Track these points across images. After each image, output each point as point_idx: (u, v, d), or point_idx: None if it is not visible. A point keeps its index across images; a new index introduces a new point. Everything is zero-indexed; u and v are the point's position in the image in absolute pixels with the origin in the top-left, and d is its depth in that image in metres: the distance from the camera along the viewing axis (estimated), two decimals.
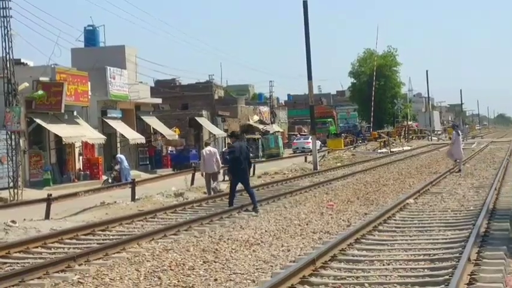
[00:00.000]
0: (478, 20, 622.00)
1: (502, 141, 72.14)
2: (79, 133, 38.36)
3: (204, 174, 25.08)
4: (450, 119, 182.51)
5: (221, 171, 28.44)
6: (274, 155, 62.01)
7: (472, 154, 46.66)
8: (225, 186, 28.27)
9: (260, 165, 40.55)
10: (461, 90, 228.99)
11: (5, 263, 12.78)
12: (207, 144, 27.63)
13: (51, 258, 12.54)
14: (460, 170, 30.99)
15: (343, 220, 16.65)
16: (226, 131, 63.86)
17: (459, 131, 34.74)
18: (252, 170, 31.52)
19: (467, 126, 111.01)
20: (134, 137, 44.31)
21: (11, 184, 31.55)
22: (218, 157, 25.39)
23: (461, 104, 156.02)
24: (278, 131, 78.76)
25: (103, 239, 15.34)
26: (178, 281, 10.49)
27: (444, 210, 17.75)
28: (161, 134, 51.11)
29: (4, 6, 31.76)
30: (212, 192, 24.72)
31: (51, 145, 38.32)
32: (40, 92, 35.90)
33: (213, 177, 25.23)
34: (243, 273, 10.89)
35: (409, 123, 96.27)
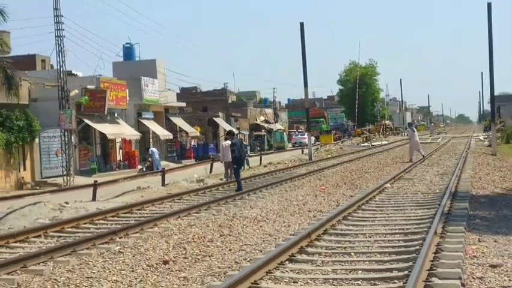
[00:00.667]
0: (440, 33, 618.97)
1: (462, 137, 71.82)
2: (119, 131, 38.40)
3: (223, 163, 26.12)
4: (419, 118, 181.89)
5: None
6: (281, 148, 63.76)
7: (437, 147, 46.45)
8: None
9: (265, 157, 40.48)
10: (428, 95, 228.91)
11: (60, 236, 12.82)
12: (226, 139, 28.09)
13: (98, 233, 12.57)
14: (424, 156, 31.63)
15: (333, 201, 16.63)
16: (238, 129, 63.86)
17: (414, 128, 35.20)
18: (246, 161, 31.99)
19: (433, 124, 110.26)
20: (163, 133, 44.33)
21: (65, 172, 31.63)
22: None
23: (429, 106, 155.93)
24: (280, 129, 78.63)
25: (139, 217, 15.34)
26: (200, 251, 10.50)
27: (415, 193, 17.69)
28: (185, 132, 51.11)
29: (58, 28, 31.83)
30: (229, 179, 25.10)
31: (97, 141, 38.38)
32: (86, 97, 35.95)
33: (230, 166, 25.38)
34: (252, 244, 10.89)
35: (386, 122, 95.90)
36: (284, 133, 69.99)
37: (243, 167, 20.13)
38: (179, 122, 50.03)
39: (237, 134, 31.74)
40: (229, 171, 25.40)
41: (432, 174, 23.87)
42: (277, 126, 77.87)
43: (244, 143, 40.93)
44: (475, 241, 10.40)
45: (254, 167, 33.35)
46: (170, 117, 48.86)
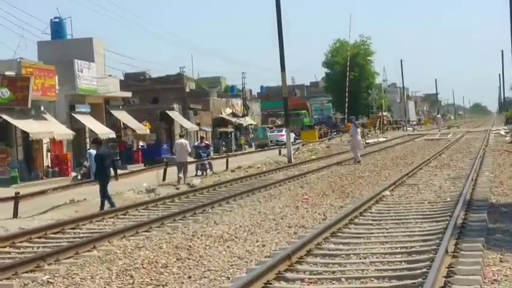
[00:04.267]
0: (452, 5, 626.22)
1: (478, 131, 72.66)
2: (47, 129, 38.05)
3: (176, 164, 29.06)
4: (425, 109, 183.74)
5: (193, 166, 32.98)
6: (264, 145, 65.58)
7: (447, 144, 46.97)
8: (198, 181, 28.35)
9: (233, 159, 40.46)
10: (436, 80, 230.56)
11: None
12: (181, 136, 32.37)
13: (20, 258, 12.43)
14: (358, 161, 33.08)
15: (318, 214, 16.69)
16: (198, 124, 63.88)
17: (357, 124, 37.54)
18: (209, 165, 34.17)
19: (440, 115, 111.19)
20: (103, 132, 44.03)
21: None
22: (189, 148, 30.32)
23: (436, 93, 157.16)
24: (251, 124, 78.81)
25: (73, 238, 15.24)
26: (151, 279, 10.45)
27: (421, 202, 17.85)
28: (131, 129, 50.85)
29: None
30: (183, 182, 27.36)
31: (18, 141, 37.98)
32: (5, 89, 35.50)
33: (184, 167, 29.06)
34: (218, 270, 10.88)
35: (384, 114, 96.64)
36: (267, 128, 71.12)
37: (108, 181, 20.39)
38: (123, 116, 49.79)
39: (183, 135, 33.86)
40: (182, 174, 28.14)
41: (442, 178, 24.10)
42: (248, 120, 78.11)
43: (206, 142, 40.98)
44: (495, 261, 10.52)
45: (219, 173, 33.35)
46: (112, 111, 48.59)
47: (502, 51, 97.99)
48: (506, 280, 9.32)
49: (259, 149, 62.53)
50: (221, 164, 36.49)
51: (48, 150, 40.07)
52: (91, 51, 46.42)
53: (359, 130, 36.58)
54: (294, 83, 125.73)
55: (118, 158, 48.09)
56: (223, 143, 65.00)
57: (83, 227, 16.78)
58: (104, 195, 20.41)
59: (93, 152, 36.39)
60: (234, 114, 76.77)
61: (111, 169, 20.60)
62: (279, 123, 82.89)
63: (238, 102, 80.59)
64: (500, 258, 10.69)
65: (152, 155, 49.16)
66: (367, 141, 58.72)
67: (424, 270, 9.54)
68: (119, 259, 12.14)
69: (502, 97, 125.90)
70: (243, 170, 34.50)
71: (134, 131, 50.78)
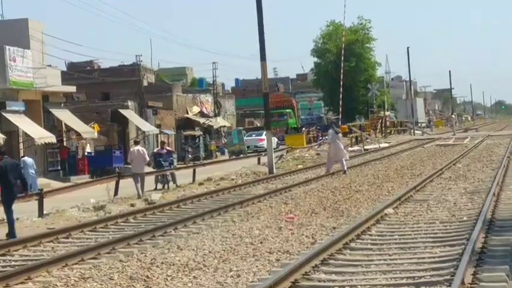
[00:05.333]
0: None
1: (502, 135, 73.12)
2: None
3: (133, 175, 29.70)
4: (437, 108, 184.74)
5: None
6: (238, 153, 65.33)
7: (464, 151, 47.22)
8: (158, 197, 28.31)
9: (202, 169, 40.41)
10: (450, 72, 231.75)
11: None
12: (136, 143, 32.66)
13: None
14: (345, 172, 34.09)
15: (306, 236, 16.70)
16: (158, 126, 63.70)
17: (336, 129, 38.19)
18: (171, 177, 34.28)
19: (453, 115, 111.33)
20: (41, 135, 43.78)
21: None
22: (147, 157, 31.07)
23: (451, 89, 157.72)
24: (224, 126, 78.74)
25: (2, 266, 15.14)
26: None
27: (432, 222, 17.91)
28: (76, 132, 50.60)
29: None
30: (139, 197, 27.78)
31: None
32: None
33: (141, 179, 29.35)
34: None
35: (387, 113, 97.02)
36: (243, 131, 71.08)
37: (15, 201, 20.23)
38: (65, 116, 49.53)
39: (139, 141, 34.13)
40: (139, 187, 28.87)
41: (457, 192, 24.19)
42: (220, 121, 78.04)
43: (169, 148, 40.92)
44: None
45: (184, 186, 33.30)
46: (52, 110, 48.32)
47: None
48: None
49: (233, 157, 62.63)
50: (187, 175, 36.42)
51: None
52: (26, 36, 46.12)
53: (340, 136, 37.61)
54: (277, 75, 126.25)
55: (60, 167, 47.93)
56: (189, 150, 64.87)
57: (15, 253, 16.66)
58: (9, 218, 19.89)
59: (28, 160, 36.38)
60: (202, 114, 76.68)
61: (17, 185, 20.18)
62: (258, 125, 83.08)
63: (208, 99, 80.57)
64: None
65: (101, 164, 48.93)
66: (366, 147, 58.97)
67: None
68: None
69: None
70: (213, 182, 34.46)
71: (80, 134, 50.55)
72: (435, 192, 24.50)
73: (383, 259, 13.57)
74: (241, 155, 63.17)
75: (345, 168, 35.03)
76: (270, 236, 17.04)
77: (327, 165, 35.87)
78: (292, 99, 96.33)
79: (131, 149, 32.55)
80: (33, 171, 35.19)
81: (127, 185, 30.14)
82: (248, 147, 69.00)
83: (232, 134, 70.94)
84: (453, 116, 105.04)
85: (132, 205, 26.10)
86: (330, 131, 37.45)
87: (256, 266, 13.58)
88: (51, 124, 48.30)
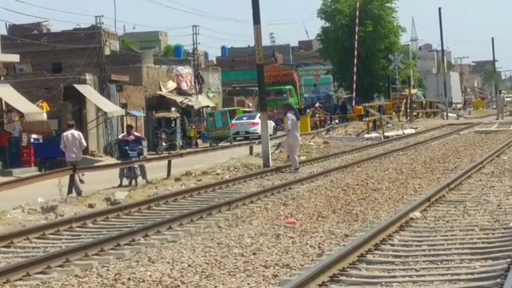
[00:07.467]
0: None
1: None
2: None
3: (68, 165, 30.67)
4: (476, 84, 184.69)
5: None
6: (223, 138, 66.51)
7: (511, 140, 47.16)
8: (123, 195, 28.29)
9: (179, 161, 40.28)
10: (493, 40, 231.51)
11: None
12: (70, 126, 33.40)
13: None
14: (297, 169, 34.44)
15: (311, 246, 16.73)
16: (124, 106, 63.58)
17: (297, 112, 37.86)
18: (140, 170, 34.36)
19: (502, 94, 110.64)
20: None
21: None
22: (84, 142, 32.54)
23: (494, 60, 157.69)
24: (207, 106, 78.71)
25: None
26: None
27: (470, 229, 17.93)
28: (19, 112, 50.54)
29: None
30: (75, 192, 28.51)
31: None
32: None
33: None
34: None
35: (413, 91, 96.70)
36: (228, 112, 71.00)
37: None
38: (6, 93, 49.49)
39: (73, 124, 34.35)
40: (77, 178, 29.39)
41: (502, 192, 24.22)
42: (202, 100, 77.99)
43: (137, 134, 40.88)
44: None
45: (157, 182, 33.24)
46: None
47: None
48: None
49: (214, 145, 63.52)
50: (160, 169, 36.41)
51: None
52: None
53: (298, 124, 36.62)
54: (275, 43, 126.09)
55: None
56: (163, 136, 64.77)
57: None
58: None
59: None
60: (180, 91, 76.65)
61: None
62: (250, 105, 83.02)
63: (186, 72, 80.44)
64: None
65: (51, 153, 48.81)
66: (386, 134, 58.93)
67: None
68: None
69: None
70: (193, 177, 34.41)
71: (23, 115, 50.46)
72: (473, 192, 24.51)
73: (408, 275, 13.63)
74: (226, 143, 63.11)
75: (297, 164, 35.06)
76: (265, 245, 17.07)
77: (292, 160, 35.54)
78: (294, 73, 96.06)
79: (64, 134, 33.10)
80: None
81: (85, 180, 30.13)
82: (237, 133, 69.02)
83: (214, 115, 71.18)
84: (502, 95, 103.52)
85: (91, 206, 26.06)
86: (290, 115, 36.37)
87: (248, 284, 13.62)
88: None
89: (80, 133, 33.13)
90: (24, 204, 25.66)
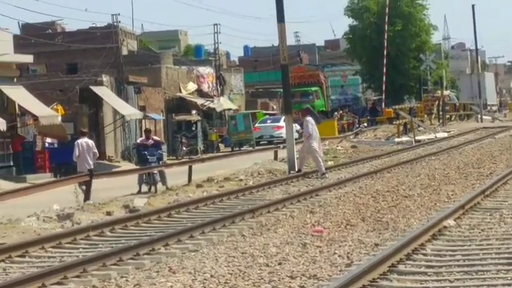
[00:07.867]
0: None
1: None
2: None
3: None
4: None
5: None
6: (245, 143, 67.06)
7: None
8: (143, 202, 28.30)
9: (200, 166, 40.33)
10: None
11: None
12: (83, 134, 34.18)
13: None
14: (323, 174, 34.43)
15: (339, 256, 16.70)
16: (142, 108, 63.62)
17: (312, 120, 36.38)
18: (160, 176, 34.57)
19: None
20: None
21: None
22: (96, 152, 33.23)
23: None
24: (229, 109, 78.73)
25: None
26: None
27: (506, 238, 17.87)
28: (33, 116, 50.68)
29: None
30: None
31: None
32: None
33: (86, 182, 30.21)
34: None
35: (445, 93, 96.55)
36: (250, 115, 71.07)
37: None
38: (19, 95, 49.65)
39: (86, 132, 34.98)
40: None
41: None
42: (224, 102, 78.00)
43: (156, 138, 40.92)
44: None
45: (178, 188, 33.27)
46: (1, 87, 48.46)
47: None
48: None
49: (236, 149, 63.68)
50: (180, 174, 36.46)
51: None
52: None
53: (315, 128, 36.30)
54: (300, 42, 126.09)
55: (12, 163, 47.98)
56: (184, 140, 64.84)
57: None
58: None
59: None
60: (201, 93, 76.74)
61: None
62: (275, 107, 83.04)
63: (208, 73, 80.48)
64: None
65: (66, 158, 48.75)
66: (417, 137, 58.83)
67: None
68: None
69: None
70: (215, 184, 34.43)
71: (38, 119, 50.60)
72: (510, 198, 24.42)
73: (442, 287, 13.57)
74: (249, 147, 63.12)
75: (323, 168, 35.06)
76: (291, 255, 17.05)
77: (299, 162, 36.21)
78: (320, 74, 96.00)
79: (78, 141, 33.27)
80: None
81: (102, 187, 30.15)
82: (261, 136, 69.04)
83: (236, 118, 71.30)
84: None
85: (108, 213, 26.08)
86: (311, 119, 36.09)
87: None
88: (1, 105, 48.42)
89: (93, 142, 33.81)
90: (40, 212, 25.73)
